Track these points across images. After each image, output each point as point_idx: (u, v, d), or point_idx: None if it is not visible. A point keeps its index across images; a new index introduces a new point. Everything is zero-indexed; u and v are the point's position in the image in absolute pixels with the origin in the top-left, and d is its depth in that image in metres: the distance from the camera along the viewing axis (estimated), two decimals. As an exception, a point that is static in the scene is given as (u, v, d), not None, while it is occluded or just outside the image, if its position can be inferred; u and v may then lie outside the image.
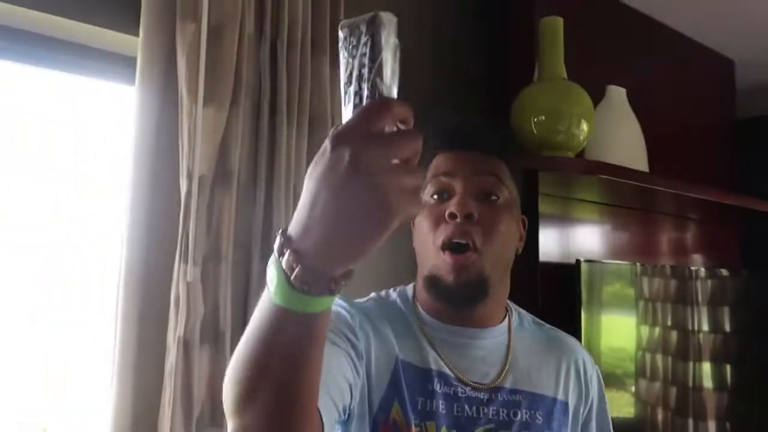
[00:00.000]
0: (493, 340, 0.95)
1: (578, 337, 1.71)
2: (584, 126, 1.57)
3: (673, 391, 2.13)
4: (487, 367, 0.93)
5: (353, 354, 0.84)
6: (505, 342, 0.96)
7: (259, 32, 1.40)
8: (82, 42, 1.38)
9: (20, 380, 1.39)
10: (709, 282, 2.39)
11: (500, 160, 0.94)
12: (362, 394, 0.85)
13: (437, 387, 0.89)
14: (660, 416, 2.06)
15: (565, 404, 0.95)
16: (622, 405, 1.95)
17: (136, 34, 1.31)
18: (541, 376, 0.95)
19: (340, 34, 0.54)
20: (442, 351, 0.92)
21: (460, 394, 0.89)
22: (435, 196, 0.92)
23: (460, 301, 0.91)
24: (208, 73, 1.31)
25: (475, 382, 0.91)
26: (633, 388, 1.99)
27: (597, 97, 1.82)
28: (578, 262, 1.75)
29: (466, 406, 0.89)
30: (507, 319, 0.99)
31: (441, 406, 0.88)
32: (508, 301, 1.02)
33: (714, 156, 2.48)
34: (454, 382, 0.90)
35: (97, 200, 1.47)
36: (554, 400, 0.94)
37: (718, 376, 2.33)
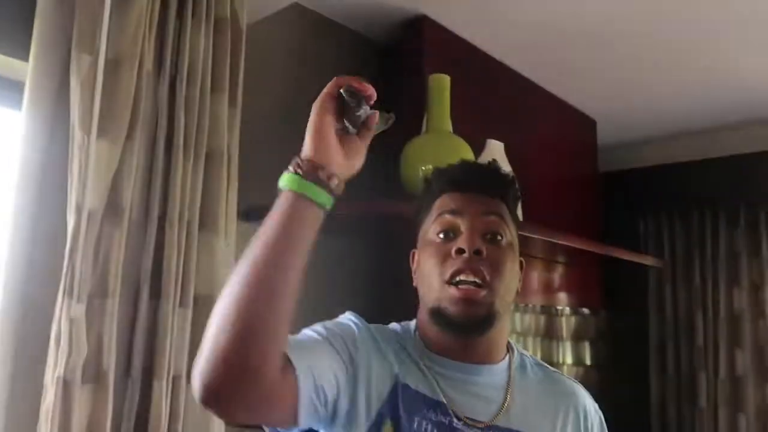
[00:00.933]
0: (492, 377, 0.95)
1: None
2: (467, 175, 1.69)
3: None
4: (484, 405, 0.92)
5: (346, 359, 0.88)
6: (504, 381, 0.96)
7: (158, 68, 1.41)
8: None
9: None
10: (573, 319, 2.60)
11: (502, 202, 0.97)
12: (355, 403, 0.87)
13: (432, 415, 0.89)
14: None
15: None
16: None
17: (26, 59, 1.28)
18: (537, 417, 0.95)
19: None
20: (441, 383, 0.92)
21: (454, 425, 0.89)
22: (441, 235, 0.94)
23: (466, 331, 0.91)
24: (103, 106, 1.30)
25: (469, 418, 0.90)
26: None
27: (478, 149, 1.97)
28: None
29: None
30: (508, 357, 0.99)
31: (434, 431, 0.88)
32: (511, 341, 1.03)
33: (580, 205, 2.73)
34: (450, 414, 0.90)
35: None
36: None
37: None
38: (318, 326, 0.92)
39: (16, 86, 1.34)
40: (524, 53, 2.26)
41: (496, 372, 0.96)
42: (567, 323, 2.57)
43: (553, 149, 2.57)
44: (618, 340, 2.88)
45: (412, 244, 1.90)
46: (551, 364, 2.34)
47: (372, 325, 0.97)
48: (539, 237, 1.86)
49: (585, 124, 2.86)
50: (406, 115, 1.91)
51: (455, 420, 0.89)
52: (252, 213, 1.63)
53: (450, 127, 1.74)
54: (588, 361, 2.67)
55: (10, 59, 1.32)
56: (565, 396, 1.00)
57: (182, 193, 1.40)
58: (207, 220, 1.45)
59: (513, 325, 2.26)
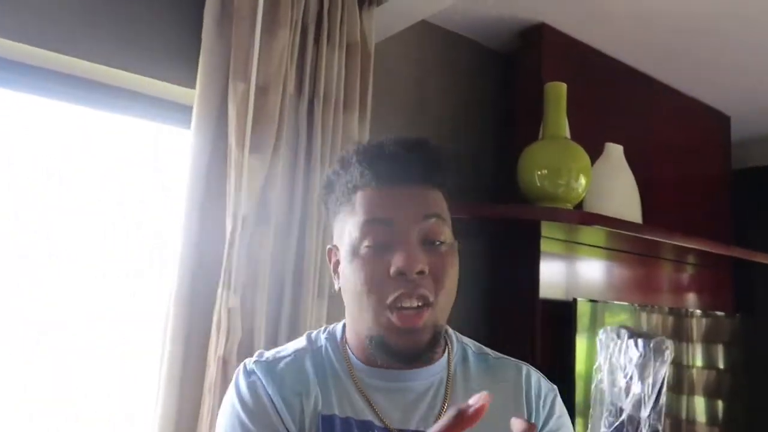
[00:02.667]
0: (429, 379, 0.86)
1: (572, 370, 1.88)
2: (582, 180, 1.75)
3: (668, 423, 2.28)
4: (425, 410, 0.84)
5: None
6: (443, 378, 0.87)
7: (299, 91, 1.61)
8: (148, 93, 1.60)
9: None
10: (704, 321, 2.54)
11: (438, 191, 0.85)
12: None
13: None
14: (654, 447, 2.20)
15: None
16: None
17: (193, 87, 1.52)
18: (488, 411, 0.78)
19: None
20: (374, 398, 0.83)
21: None
22: (371, 248, 0.80)
23: (411, 359, 0.82)
24: (254, 126, 1.52)
25: (403, 430, 0.82)
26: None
27: (597, 153, 2.01)
28: (575, 300, 1.92)
29: None
30: (447, 352, 0.90)
31: None
32: (450, 331, 0.94)
33: (710, 205, 2.64)
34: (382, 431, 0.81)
35: (151, 232, 1.67)
36: None
37: (710, 410, 2.47)
38: None
39: (186, 109, 1.59)
40: (645, 50, 2.23)
41: (435, 372, 0.87)
42: (697, 325, 2.51)
43: (678, 148, 2.52)
44: (754, 344, 2.76)
45: (525, 246, 1.99)
46: (680, 366, 2.37)
47: (283, 369, 0.85)
48: (656, 239, 1.87)
49: (717, 120, 2.76)
50: (525, 121, 2.00)
51: None
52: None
53: (567, 133, 1.81)
54: (721, 365, 2.60)
55: (181, 87, 1.57)
56: (513, 379, 0.90)
57: (320, 202, 1.60)
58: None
59: (639, 323, 2.26)
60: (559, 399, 0.92)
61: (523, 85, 2.04)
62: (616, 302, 2.17)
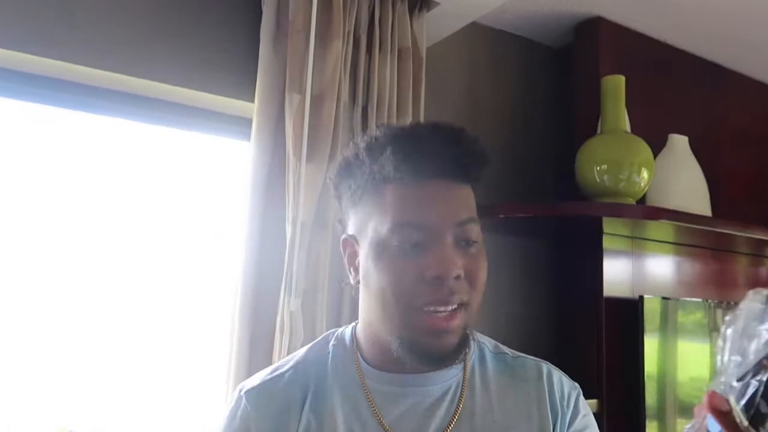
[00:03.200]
0: (445, 383, 0.82)
1: (641, 367, 1.83)
2: (644, 174, 1.71)
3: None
4: (439, 419, 0.80)
5: None
6: (460, 381, 0.83)
7: (353, 99, 1.64)
8: (209, 107, 1.68)
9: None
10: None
11: (469, 186, 0.80)
12: None
13: None
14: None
15: None
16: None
17: (251, 101, 1.58)
18: (508, 413, 0.82)
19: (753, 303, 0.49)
20: (383, 407, 0.79)
21: None
22: (404, 246, 0.75)
23: (441, 362, 0.78)
24: (310, 135, 1.56)
25: None
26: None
27: (660, 145, 1.95)
28: (641, 297, 1.87)
29: None
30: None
31: None
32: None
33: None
34: None
35: (214, 242, 1.74)
36: None
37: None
38: None
39: (246, 122, 1.65)
40: (707, 37, 2.15)
41: (451, 375, 0.82)
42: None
43: (749, 137, 2.40)
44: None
45: (587, 244, 1.96)
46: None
47: (262, 404, 0.81)
48: (726, 231, 1.80)
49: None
50: (583, 117, 1.97)
51: None
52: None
53: (627, 126, 1.77)
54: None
55: (241, 101, 1.63)
56: (533, 379, 0.86)
57: (375, 205, 1.63)
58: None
59: (714, 323, 2.17)
60: (582, 397, 0.89)
61: (579, 79, 2.01)
62: (688, 299, 2.10)
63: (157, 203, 1.69)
